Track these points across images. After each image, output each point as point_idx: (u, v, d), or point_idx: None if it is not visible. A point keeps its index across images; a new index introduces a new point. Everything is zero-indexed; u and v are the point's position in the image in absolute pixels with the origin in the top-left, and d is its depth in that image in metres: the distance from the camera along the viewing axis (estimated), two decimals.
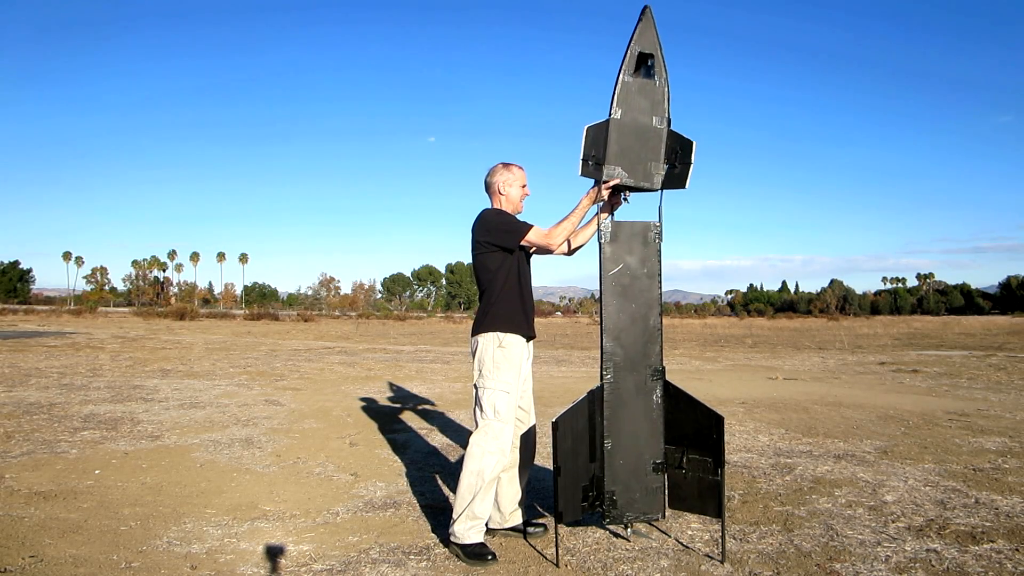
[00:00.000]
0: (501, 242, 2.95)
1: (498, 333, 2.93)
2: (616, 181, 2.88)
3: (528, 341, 3.04)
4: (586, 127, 2.83)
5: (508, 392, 2.88)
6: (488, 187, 3.14)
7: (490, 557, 2.73)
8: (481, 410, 2.91)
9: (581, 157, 2.84)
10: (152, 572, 2.64)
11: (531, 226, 2.96)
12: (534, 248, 3.10)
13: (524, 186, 3.12)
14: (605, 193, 2.91)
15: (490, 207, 3.11)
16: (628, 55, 2.80)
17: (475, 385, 2.97)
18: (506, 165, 3.14)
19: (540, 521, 3.15)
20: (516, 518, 3.05)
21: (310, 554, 2.84)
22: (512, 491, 3.03)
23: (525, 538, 3.01)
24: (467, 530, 2.79)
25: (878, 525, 3.12)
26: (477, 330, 2.99)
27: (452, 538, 2.81)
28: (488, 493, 2.83)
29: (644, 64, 2.84)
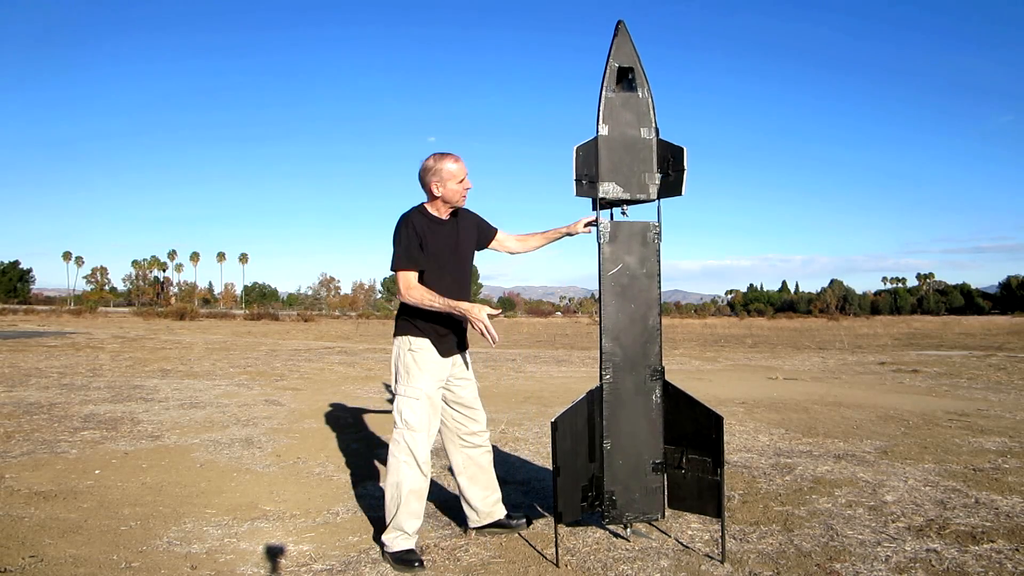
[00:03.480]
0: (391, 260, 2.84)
1: (409, 337, 2.84)
2: (591, 218, 2.96)
3: (444, 357, 2.87)
4: (575, 148, 2.82)
5: (419, 399, 2.79)
6: (422, 184, 2.89)
7: (417, 564, 2.69)
8: (396, 418, 2.84)
9: (574, 178, 2.83)
10: (152, 572, 2.64)
11: (411, 270, 2.79)
12: (488, 246, 3.14)
13: (462, 181, 2.86)
14: (589, 228, 2.99)
15: (415, 209, 2.91)
16: (608, 71, 2.81)
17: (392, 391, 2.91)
18: (440, 157, 2.85)
19: (520, 514, 3.14)
20: (495, 514, 3.03)
21: (310, 554, 2.84)
22: (477, 490, 3.00)
23: (508, 530, 3.01)
24: (394, 539, 2.76)
25: (878, 525, 3.12)
26: (394, 333, 2.93)
27: (383, 546, 2.80)
28: (411, 503, 2.77)
29: (625, 78, 2.84)
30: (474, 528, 3.05)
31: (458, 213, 2.97)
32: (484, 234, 3.15)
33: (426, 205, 2.93)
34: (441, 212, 2.92)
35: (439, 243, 2.87)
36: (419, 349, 2.83)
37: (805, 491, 3.67)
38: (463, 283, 2.96)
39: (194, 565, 2.71)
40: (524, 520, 3.07)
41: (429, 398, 2.83)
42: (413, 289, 2.78)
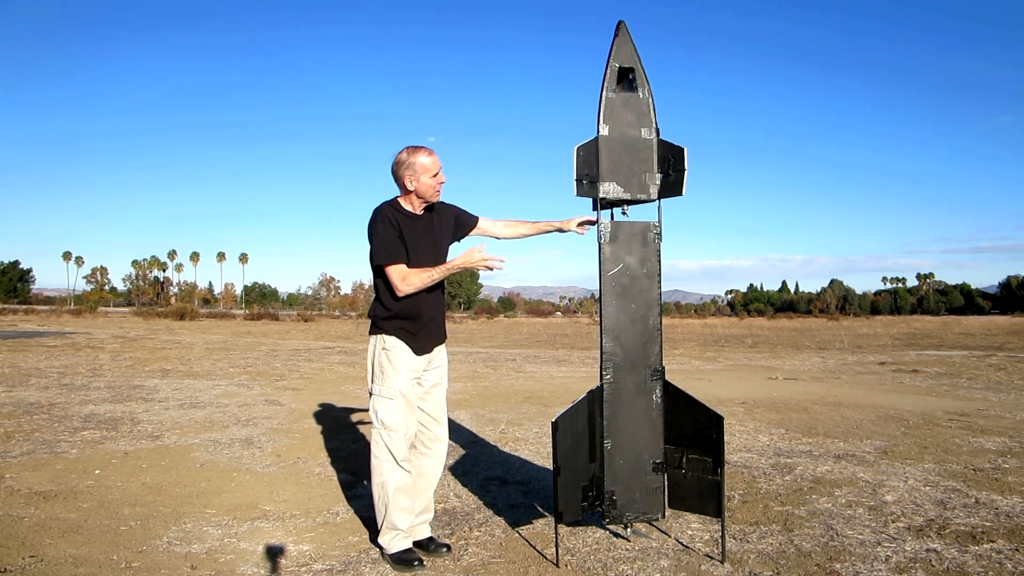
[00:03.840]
0: (370, 257, 2.81)
1: (383, 336, 2.81)
2: (585, 218, 3.03)
3: (419, 355, 2.84)
4: (576, 148, 2.83)
5: (393, 399, 2.76)
6: (395, 178, 2.83)
7: (416, 563, 2.68)
8: (372, 418, 2.82)
9: (575, 178, 2.83)
10: (152, 572, 2.64)
11: (399, 263, 2.74)
12: (468, 235, 3.07)
13: (436, 175, 2.80)
14: (583, 229, 3.05)
15: (387, 203, 2.85)
16: (608, 71, 2.81)
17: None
18: (413, 150, 2.80)
19: (444, 542, 2.93)
20: (418, 533, 2.88)
21: (310, 554, 2.84)
22: (416, 504, 2.88)
23: (426, 553, 2.84)
24: (391, 540, 2.75)
25: (878, 525, 3.12)
26: (369, 331, 2.90)
27: (381, 548, 2.78)
28: (399, 500, 2.75)
29: (625, 78, 2.85)
30: None
31: (433, 207, 2.91)
32: (463, 225, 3.07)
33: (399, 199, 2.86)
34: (415, 207, 2.85)
35: (415, 238, 2.81)
36: (393, 348, 2.79)
37: (805, 491, 3.67)
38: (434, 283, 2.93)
39: (194, 565, 2.71)
40: (445, 547, 2.86)
41: (404, 396, 2.79)
42: (410, 277, 2.74)
